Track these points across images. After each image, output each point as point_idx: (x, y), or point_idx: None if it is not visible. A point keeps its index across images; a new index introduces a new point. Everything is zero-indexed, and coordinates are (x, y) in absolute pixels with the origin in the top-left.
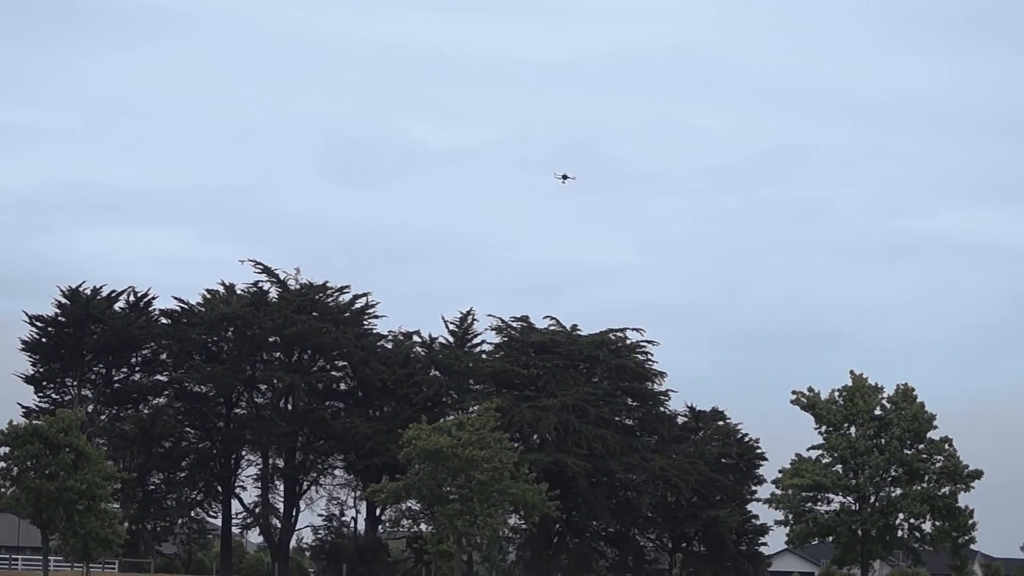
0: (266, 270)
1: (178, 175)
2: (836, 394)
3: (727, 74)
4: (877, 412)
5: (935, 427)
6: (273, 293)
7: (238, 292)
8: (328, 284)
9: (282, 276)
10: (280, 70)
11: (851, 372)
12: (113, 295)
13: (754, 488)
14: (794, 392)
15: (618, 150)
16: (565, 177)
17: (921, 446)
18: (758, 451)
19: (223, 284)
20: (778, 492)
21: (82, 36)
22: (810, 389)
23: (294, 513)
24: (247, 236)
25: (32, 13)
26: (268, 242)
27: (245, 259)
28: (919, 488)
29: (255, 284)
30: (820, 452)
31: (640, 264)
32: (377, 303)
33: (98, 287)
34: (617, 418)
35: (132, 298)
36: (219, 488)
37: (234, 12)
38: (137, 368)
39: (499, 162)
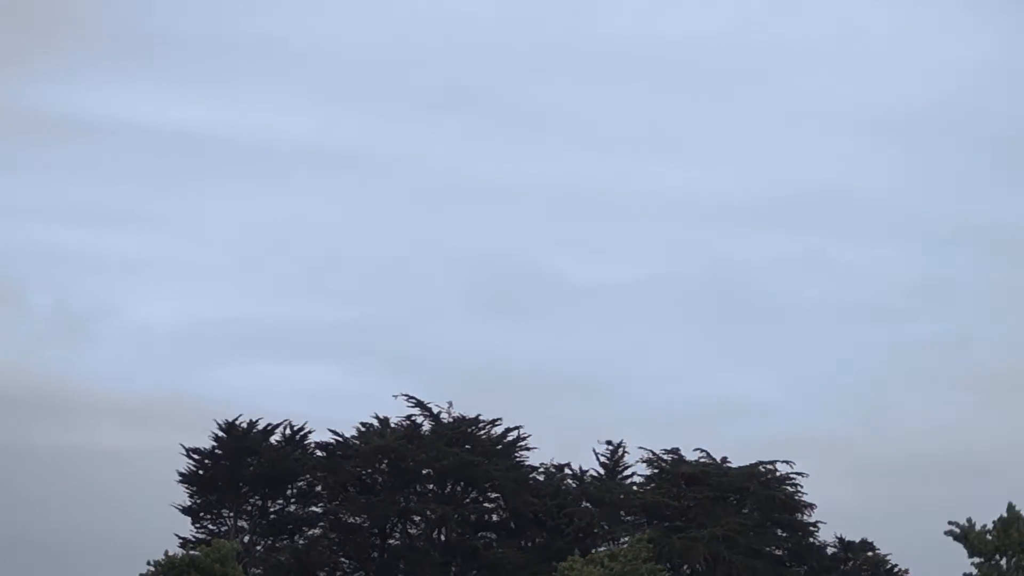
0: (419, 404)
1: (330, 310)
2: (990, 525)
3: (872, 209)
4: None
5: None
6: (426, 426)
7: (392, 425)
8: (480, 417)
9: (435, 409)
10: (429, 206)
11: (1009, 504)
12: (269, 428)
13: None
14: (949, 523)
15: (765, 285)
16: None
17: None
18: None
19: (377, 417)
20: None
21: (237, 173)
22: (968, 520)
23: None
24: (398, 370)
25: (187, 149)
26: (419, 375)
27: (399, 393)
28: None
29: (408, 417)
30: None
31: (788, 397)
32: (528, 436)
33: (254, 420)
34: (767, 549)
35: (288, 431)
36: None
37: (383, 150)
38: (293, 499)
39: (648, 296)
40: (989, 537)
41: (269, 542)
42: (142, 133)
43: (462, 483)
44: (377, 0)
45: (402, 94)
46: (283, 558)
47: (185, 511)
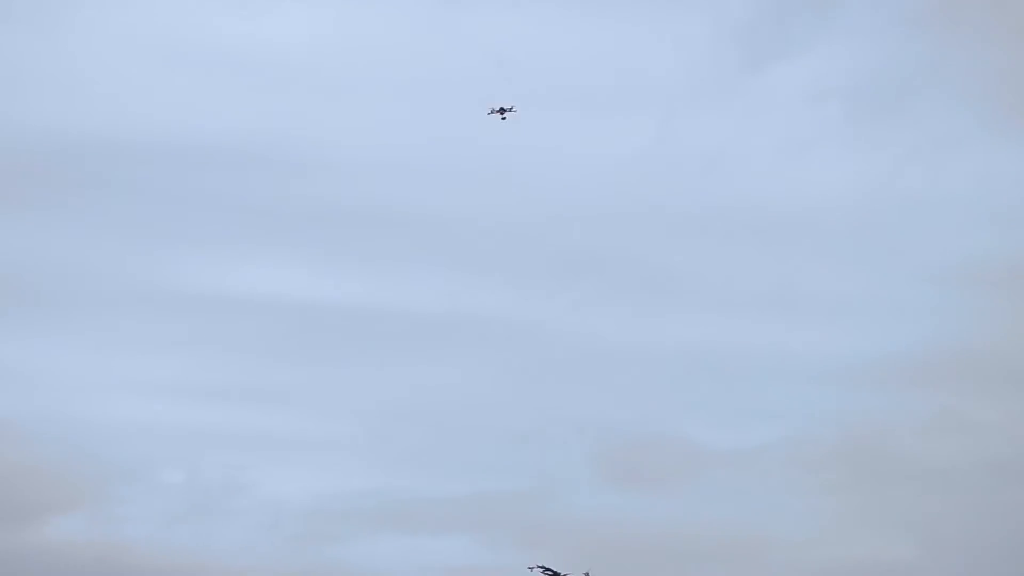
0: (555, 575)
1: (460, 481)
2: None
3: (1005, 365)
4: None
5: None
6: None
7: None
8: None
9: None
10: (557, 373)
11: None
12: None
13: None
14: None
15: (899, 445)
16: (502, 111)
17: None
18: None
19: None
20: None
21: (366, 345)
22: None
23: None
24: (532, 541)
25: (315, 323)
26: (553, 546)
27: (534, 565)
28: None
29: None
30: None
31: (925, 558)
32: None
33: None
34: None
35: None
36: None
37: (511, 318)
38: None
39: (781, 460)
40: None
41: None
42: (270, 308)
43: None
44: (504, 172)
45: (529, 261)
46: None
47: None
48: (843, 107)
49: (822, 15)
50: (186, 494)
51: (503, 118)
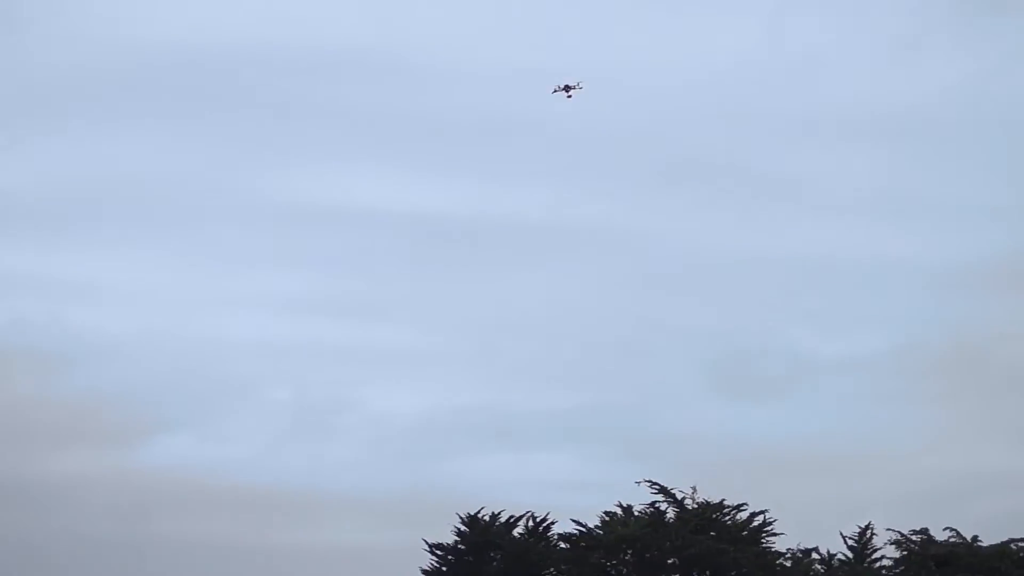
0: (663, 490)
1: (565, 396)
2: None
3: None
4: None
5: None
6: (670, 513)
7: (636, 513)
8: (725, 502)
9: (679, 496)
10: (663, 282)
11: None
12: (512, 520)
13: None
14: None
15: (1010, 352)
16: (568, 88)
17: None
18: None
19: (620, 506)
20: None
21: (473, 257)
22: None
23: None
24: (639, 455)
25: (421, 235)
26: (660, 460)
27: (641, 480)
28: None
29: (652, 504)
30: None
31: None
32: (775, 520)
33: (496, 513)
34: None
35: (531, 523)
36: None
37: (616, 227)
38: None
39: (891, 368)
40: None
41: None
42: (374, 219)
43: (709, 571)
44: (605, 79)
45: (632, 169)
46: None
47: None
48: (952, 2)
49: None
50: (293, 411)
51: (569, 96)
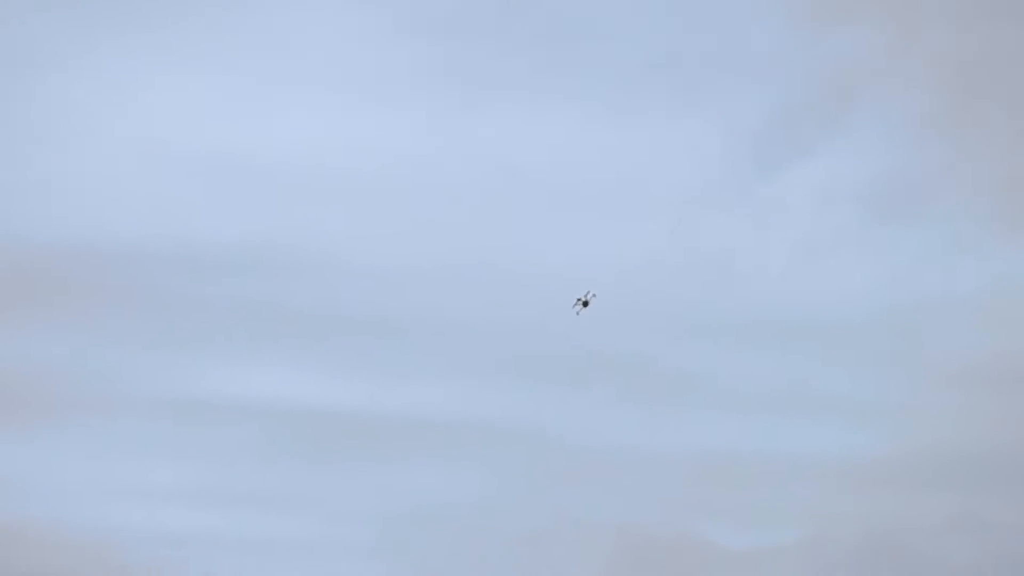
0: None
1: None
2: None
3: (1020, 467)
4: None
5: None
6: None
7: None
8: None
9: None
10: (570, 476)
11: None
12: None
13: None
14: None
15: (918, 546)
16: (585, 302)
17: None
18: None
19: None
20: None
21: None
22: None
23: None
24: None
25: (323, 429)
26: None
27: None
28: None
29: None
30: None
31: None
32: None
33: None
34: None
35: None
36: None
37: (524, 421)
38: None
39: (800, 562)
40: None
41: None
42: (275, 413)
43: None
44: (515, 271)
45: (543, 364)
46: None
47: None
48: (856, 211)
49: (833, 120)
50: None
51: (585, 306)
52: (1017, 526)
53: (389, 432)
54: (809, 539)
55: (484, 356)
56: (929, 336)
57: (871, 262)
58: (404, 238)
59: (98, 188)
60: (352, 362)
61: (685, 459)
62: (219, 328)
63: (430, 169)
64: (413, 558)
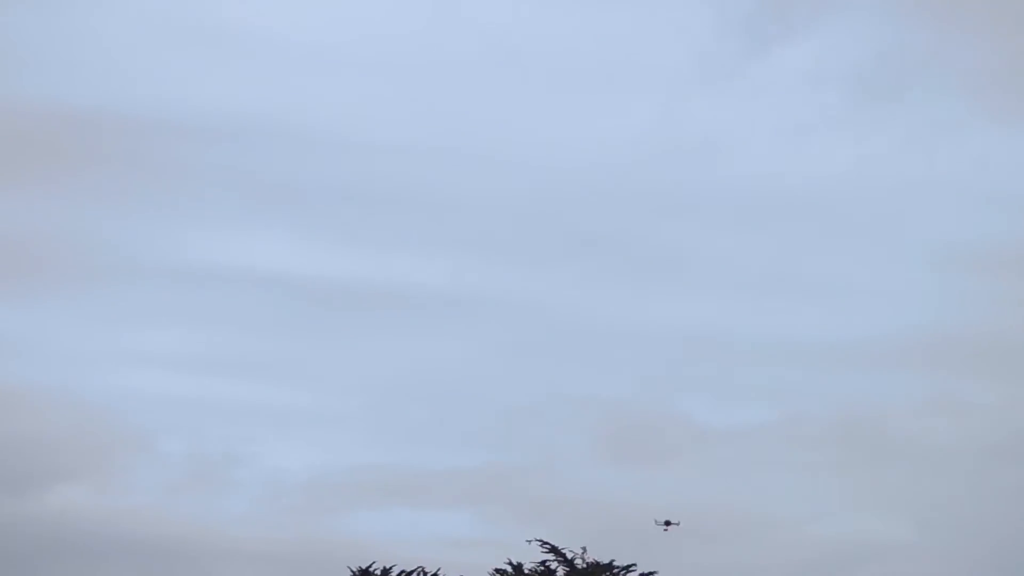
0: (553, 549)
1: (461, 455)
2: None
3: (1000, 348)
4: None
5: None
6: (560, 572)
7: (525, 571)
8: (614, 563)
9: (569, 555)
10: (559, 350)
11: None
12: (403, 574)
13: None
14: None
15: (895, 426)
16: (668, 524)
17: None
18: None
19: (510, 563)
20: None
21: (369, 320)
22: None
23: None
24: (531, 515)
25: (320, 298)
26: (552, 521)
27: (532, 539)
28: None
29: (543, 563)
30: None
31: (921, 540)
32: None
33: (388, 567)
34: None
35: None
36: None
37: (514, 296)
38: None
39: (779, 439)
40: None
41: None
42: (276, 281)
43: None
44: (504, 150)
45: (532, 242)
46: None
47: None
48: (843, 92)
49: (822, 2)
50: (188, 465)
51: (666, 530)
52: (994, 407)
53: (381, 304)
54: (788, 418)
55: (475, 232)
56: (911, 218)
57: (856, 143)
58: (400, 114)
59: (102, 55)
60: (349, 235)
61: (669, 337)
62: (219, 198)
63: (424, 46)
64: (402, 428)
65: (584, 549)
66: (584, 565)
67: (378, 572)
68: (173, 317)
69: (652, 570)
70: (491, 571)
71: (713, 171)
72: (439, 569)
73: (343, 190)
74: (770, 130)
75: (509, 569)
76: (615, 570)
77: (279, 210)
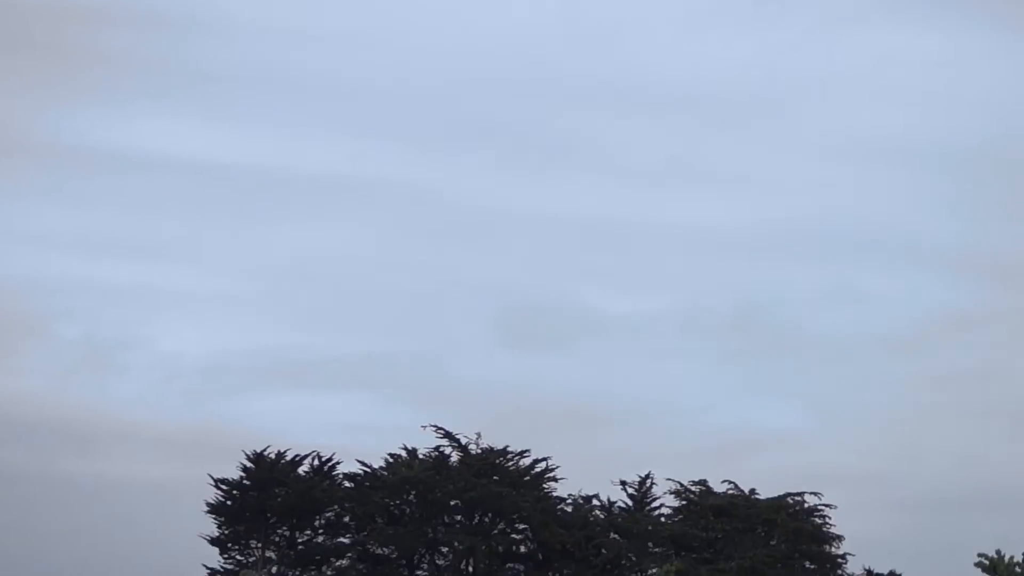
0: (447, 435)
1: (358, 341)
2: (1019, 557)
3: (896, 239)
4: None
5: None
6: (454, 457)
7: (420, 456)
8: (508, 449)
9: (463, 441)
10: (458, 237)
11: None
12: (297, 459)
13: None
14: (979, 555)
15: (792, 316)
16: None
17: None
18: None
19: (405, 449)
20: None
21: (266, 204)
22: (997, 552)
23: None
24: (427, 401)
25: (216, 181)
26: (448, 407)
27: (427, 424)
28: None
29: (437, 449)
30: None
31: (816, 428)
32: (557, 467)
33: (282, 451)
34: None
35: (316, 462)
36: None
37: (412, 182)
38: (320, 530)
39: (677, 328)
40: (1018, 569)
41: (297, 573)
42: (171, 165)
43: (490, 514)
44: (404, 36)
45: (431, 127)
46: None
47: (213, 542)
48: None
49: None
50: (82, 347)
51: None
52: (889, 297)
53: (279, 187)
54: (686, 307)
55: (374, 117)
56: (810, 110)
57: (756, 34)
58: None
59: None
60: (250, 118)
61: (567, 224)
62: (115, 79)
63: None
64: (299, 312)
65: (479, 435)
66: (478, 451)
67: (272, 456)
68: (70, 199)
69: (546, 456)
70: (385, 456)
71: (612, 60)
72: (333, 454)
73: (245, 74)
74: (670, 19)
75: (403, 454)
76: (509, 456)
77: (181, 93)
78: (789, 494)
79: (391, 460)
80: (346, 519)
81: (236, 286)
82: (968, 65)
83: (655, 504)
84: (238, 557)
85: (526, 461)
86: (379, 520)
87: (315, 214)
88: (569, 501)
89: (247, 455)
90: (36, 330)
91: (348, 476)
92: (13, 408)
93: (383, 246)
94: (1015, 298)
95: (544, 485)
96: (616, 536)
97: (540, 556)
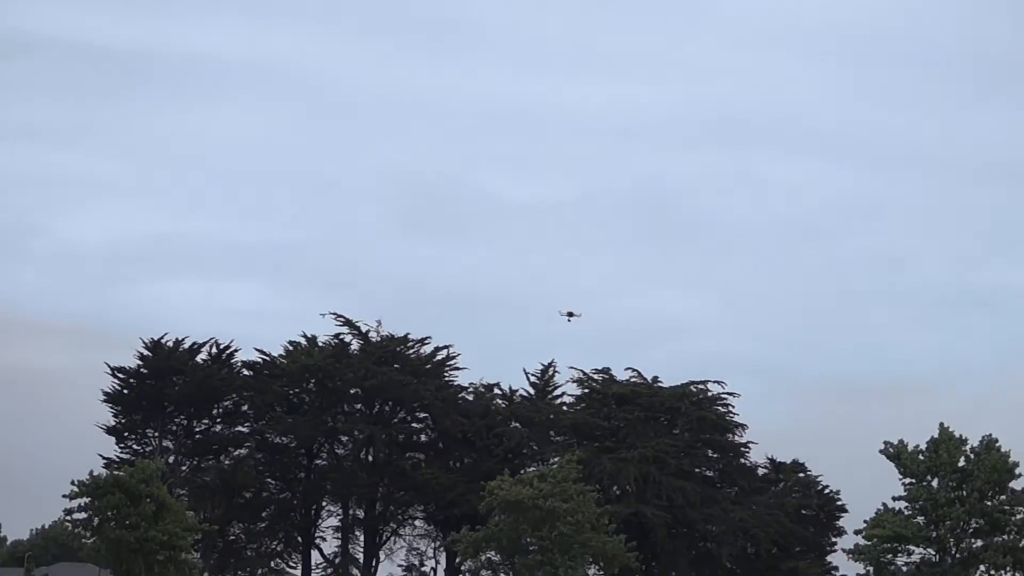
0: (347, 322)
1: (258, 228)
2: (923, 446)
3: (803, 127)
4: (960, 463)
5: (1018, 475)
6: (354, 345)
7: (320, 344)
8: (409, 336)
9: (363, 328)
10: (358, 121)
11: (940, 424)
12: (195, 347)
13: (834, 540)
14: (884, 443)
15: (696, 202)
16: (571, 315)
17: (1003, 497)
18: (838, 503)
19: (305, 336)
20: (862, 543)
21: (164, 89)
22: (901, 441)
23: (374, 564)
24: (327, 288)
25: (113, 66)
26: (348, 294)
27: (327, 312)
28: (1001, 540)
29: (336, 336)
30: (904, 504)
31: (719, 317)
32: (458, 355)
33: (180, 339)
34: (697, 470)
35: (214, 350)
36: (299, 539)
37: (307, 65)
38: (218, 419)
39: (578, 214)
40: (921, 457)
41: (195, 462)
42: (67, 50)
43: (390, 403)
44: None
45: (333, 11)
46: (208, 478)
47: (110, 431)
48: None
49: None
50: None
51: (569, 320)
52: (794, 187)
53: (182, 72)
54: (590, 194)
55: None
56: None
57: None
58: None
59: None
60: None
61: (470, 109)
62: None
63: None
64: (199, 199)
65: (379, 323)
66: (379, 339)
67: (170, 344)
68: None
69: (447, 343)
70: (285, 344)
71: None
72: (232, 341)
73: None
74: None
75: (303, 342)
76: (410, 343)
77: None
78: (692, 382)
79: (290, 348)
80: (244, 408)
81: (138, 172)
82: None
83: (557, 393)
84: (135, 446)
85: (427, 349)
86: (278, 409)
87: (219, 98)
88: (470, 390)
89: (144, 343)
90: None
91: (247, 364)
92: None
93: (285, 131)
94: (922, 188)
95: (445, 374)
96: (518, 425)
97: (441, 445)
